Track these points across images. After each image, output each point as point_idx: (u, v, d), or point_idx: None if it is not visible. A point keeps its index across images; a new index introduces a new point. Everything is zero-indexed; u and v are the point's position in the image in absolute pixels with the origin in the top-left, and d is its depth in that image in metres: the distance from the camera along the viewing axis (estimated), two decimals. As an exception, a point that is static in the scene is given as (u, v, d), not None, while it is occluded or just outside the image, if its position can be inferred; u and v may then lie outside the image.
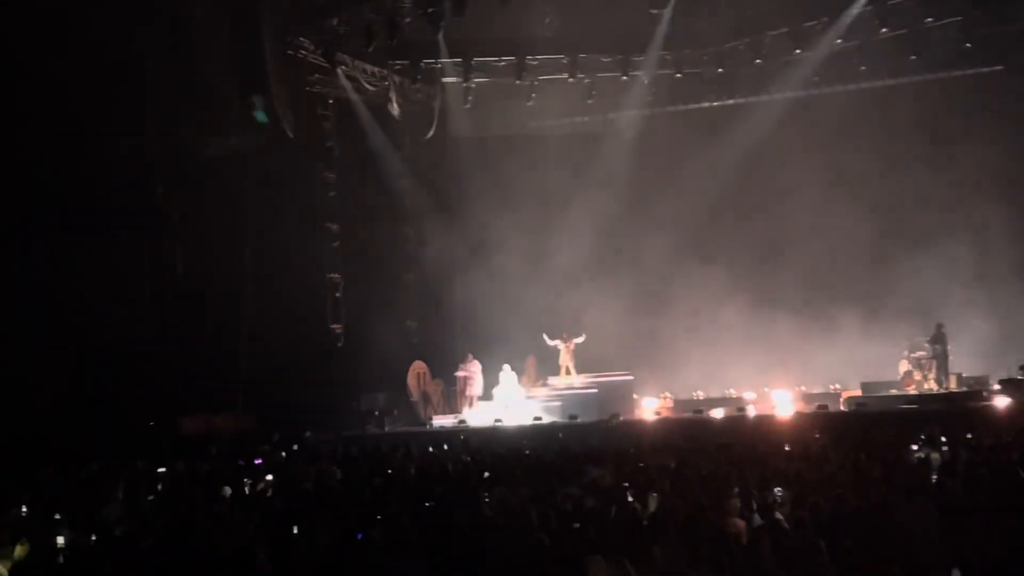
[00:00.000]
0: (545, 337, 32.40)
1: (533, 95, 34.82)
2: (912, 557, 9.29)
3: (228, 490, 16.12)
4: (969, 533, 9.87)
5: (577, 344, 32.51)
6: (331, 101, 32.18)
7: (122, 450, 22.32)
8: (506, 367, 31.86)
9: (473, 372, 32.09)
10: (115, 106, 27.16)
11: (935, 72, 32.26)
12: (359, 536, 11.60)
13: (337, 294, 32.00)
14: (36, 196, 26.15)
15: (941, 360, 29.31)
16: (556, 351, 32.66)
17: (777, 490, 13.59)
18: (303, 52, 30.17)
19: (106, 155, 27.35)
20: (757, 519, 12.10)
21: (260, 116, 29.36)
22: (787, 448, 18.45)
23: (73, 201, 26.74)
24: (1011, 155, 31.22)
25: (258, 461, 20.67)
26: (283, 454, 23.19)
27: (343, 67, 31.36)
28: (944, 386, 29.22)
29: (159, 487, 17.84)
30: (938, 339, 29.31)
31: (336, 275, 32.05)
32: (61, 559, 11.75)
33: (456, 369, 32.55)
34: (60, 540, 12.56)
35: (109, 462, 20.34)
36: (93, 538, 12.88)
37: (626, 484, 14.72)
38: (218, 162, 28.78)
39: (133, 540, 12.41)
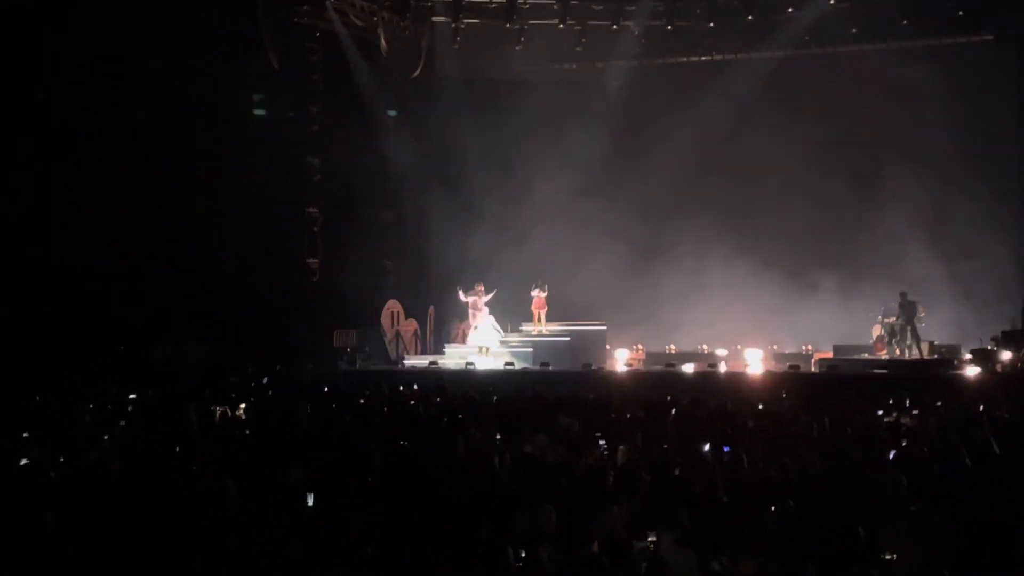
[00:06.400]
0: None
1: (522, 39, 34.67)
2: (877, 522, 9.30)
3: (195, 419, 16.10)
4: (936, 501, 9.90)
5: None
6: (318, 34, 31.69)
7: (93, 375, 22.29)
8: (484, 310, 31.66)
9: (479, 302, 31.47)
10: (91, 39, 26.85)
11: (926, 39, 32.35)
12: (327, 473, 11.62)
13: (315, 228, 31.74)
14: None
15: (909, 328, 29.30)
16: (530, 299, 32.32)
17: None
18: (293, -19, 29.86)
19: (87, 81, 26.99)
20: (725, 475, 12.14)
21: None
22: (760, 407, 18.48)
23: (52, 123, 26.59)
24: (994, 123, 31.30)
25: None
26: (253, 386, 23.18)
27: (332, -1, 31.12)
28: (912, 353, 29.30)
29: (129, 412, 17.84)
30: (904, 307, 29.35)
31: (315, 209, 31.74)
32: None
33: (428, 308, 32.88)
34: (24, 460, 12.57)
35: (79, 385, 20.28)
36: (61, 459, 12.88)
37: (597, 434, 14.75)
38: (200, 95, 28.40)
39: (102, 464, 12.42)
